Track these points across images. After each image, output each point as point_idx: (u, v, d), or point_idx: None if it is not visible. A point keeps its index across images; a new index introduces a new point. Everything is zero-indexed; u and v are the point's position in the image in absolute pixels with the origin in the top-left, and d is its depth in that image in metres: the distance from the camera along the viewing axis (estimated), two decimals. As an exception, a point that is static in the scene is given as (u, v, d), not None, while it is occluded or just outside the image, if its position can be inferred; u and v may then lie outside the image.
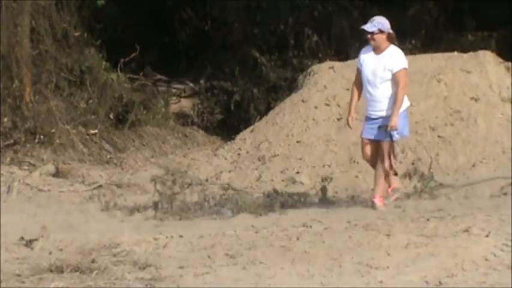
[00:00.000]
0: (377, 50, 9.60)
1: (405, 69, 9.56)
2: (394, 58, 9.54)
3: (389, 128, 9.34)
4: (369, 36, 9.57)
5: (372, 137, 9.57)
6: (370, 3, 17.75)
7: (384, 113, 9.47)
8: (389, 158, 9.51)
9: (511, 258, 6.97)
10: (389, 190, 9.66)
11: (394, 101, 9.41)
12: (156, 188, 10.45)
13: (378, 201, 9.57)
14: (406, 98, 9.55)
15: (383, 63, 9.50)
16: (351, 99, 9.82)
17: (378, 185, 9.64)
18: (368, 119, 9.64)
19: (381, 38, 9.58)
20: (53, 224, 9.44)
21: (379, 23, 9.57)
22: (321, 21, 17.44)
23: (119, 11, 18.88)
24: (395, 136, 9.40)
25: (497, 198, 10.22)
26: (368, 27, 9.59)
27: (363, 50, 9.78)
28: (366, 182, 11.39)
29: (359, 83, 9.75)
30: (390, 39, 9.63)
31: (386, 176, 9.59)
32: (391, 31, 9.66)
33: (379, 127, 9.48)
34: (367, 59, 9.64)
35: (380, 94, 9.52)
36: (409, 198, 10.07)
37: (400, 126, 9.42)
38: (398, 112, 9.38)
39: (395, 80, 9.45)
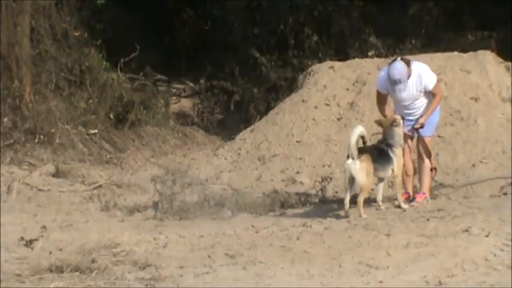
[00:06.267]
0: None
1: (437, 80, 9.85)
2: (423, 77, 9.65)
3: (417, 125, 9.69)
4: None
5: (410, 133, 9.85)
6: (370, 3, 17.78)
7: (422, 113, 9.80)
8: (430, 155, 9.84)
9: (511, 258, 6.97)
10: (406, 196, 9.77)
11: (430, 105, 9.71)
12: (156, 188, 10.45)
13: (419, 197, 9.74)
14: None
15: (415, 86, 9.64)
16: (383, 112, 9.88)
17: (424, 181, 9.83)
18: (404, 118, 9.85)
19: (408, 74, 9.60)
20: (53, 224, 9.44)
21: (404, 74, 9.49)
22: (321, 21, 17.46)
23: (119, 11, 18.89)
24: (429, 131, 9.79)
25: (497, 198, 10.22)
26: (403, 89, 9.58)
27: (384, 76, 9.73)
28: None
29: (384, 101, 9.89)
30: (408, 63, 9.66)
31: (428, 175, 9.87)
32: (405, 60, 9.69)
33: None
34: (396, 88, 9.63)
35: (417, 106, 9.77)
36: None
37: (436, 121, 9.85)
38: (429, 116, 9.72)
39: (432, 93, 9.71)
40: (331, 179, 10.78)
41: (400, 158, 9.45)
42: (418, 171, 9.96)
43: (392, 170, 9.43)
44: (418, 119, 9.75)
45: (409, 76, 9.54)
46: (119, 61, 16.55)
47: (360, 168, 9.11)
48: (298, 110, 12.96)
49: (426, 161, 9.80)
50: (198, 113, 18.19)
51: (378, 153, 9.40)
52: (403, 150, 9.60)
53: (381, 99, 9.91)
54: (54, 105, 14.54)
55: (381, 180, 9.55)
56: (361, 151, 9.19)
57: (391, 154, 9.39)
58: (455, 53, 13.09)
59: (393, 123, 9.52)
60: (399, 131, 9.48)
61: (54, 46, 15.43)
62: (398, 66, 9.54)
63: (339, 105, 12.79)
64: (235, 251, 7.71)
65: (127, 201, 10.98)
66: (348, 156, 9.18)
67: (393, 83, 9.52)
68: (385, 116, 9.85)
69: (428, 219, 8.55)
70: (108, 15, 18.49)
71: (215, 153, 13.42)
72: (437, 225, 8.22)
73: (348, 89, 12.92)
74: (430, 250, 7.30)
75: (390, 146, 9.43)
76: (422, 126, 9.69)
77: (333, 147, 12.23)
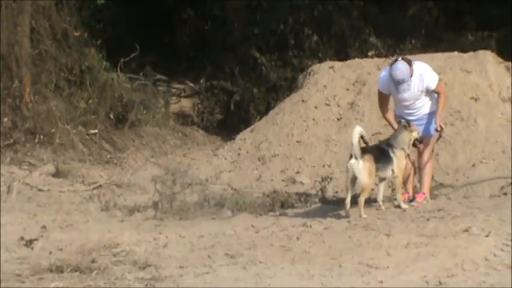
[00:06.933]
0: None
1: (440, 79, 9.84)
2: (425, 77, 9.64)
3: (437, 128, 9.69)
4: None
5: None
6: (370, 3, 17.77)
7: (424, 112, 9.78)
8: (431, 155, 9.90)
9: (511, 258, 6.97)
10: (407, 196, 9.77)
11: (438, 106, 9.71)
12: (156, 188, 10.45)
13: (419, 197, 9.75)
14: None
15: (417, 85, 9.62)
16: (388, 117, 9.91)
17: (424, 181, 9.83)
18: (403, 118, 9.83)
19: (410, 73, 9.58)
20: (53, 224, 9.44)
21: (407, 74, 9.49)
22: (321, 21, 17.44)
23: (119, 11, 18.88)
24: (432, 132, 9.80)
25: (497, 198, 10.23)
26: (407, 88, 9.57)
27: (385, 76, 9.72)
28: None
29: (386, 102, 9.90)
30: (410, 63, 9.63)
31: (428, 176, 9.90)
32: (407, 60, 9.65)
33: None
34: (400, 88, 9.62)
35: (418, 105, 9.77)
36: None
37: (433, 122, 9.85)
38: (440, 114, 9.76)
39: (435, 92, 9.72)
40: (331, 179, 10.78)
41: (400, 159, 9.44)
42: (418, 171, 9.96)
43: (393, 171, 9.42)
44: (420, 117, 9.74)
45: (411, 76, 9.54)
46: (119, 61, 16.54)
47: (363, 168, 9.11)
48: (298, 110, 12.96)
49: (427, 161, 9.81)
50: (198, 113, 18.18)
51: (379, 153, 9.40)
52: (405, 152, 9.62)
53: (383, 100, 9.89)
54: (54, 105, 14.54)
55: (382, 180, 9.55)
56: (364, 151, 9.20)
57: (391, 154, 9.39)
58: (455, 53, 13.09)
59: (405, 123, 9.55)
60: (405, 134, 9.46)
61: (54, 46, 15.41)
62: (401, 67, 9.52)
63: (339, 105, 12.79)
64: (235, 251, 7.71)
65: (127, 201, 10.97)
66: (351, 156, 9.18)
67: (396, 83, 9.50)
68: (386, 118, 9.89)
69: (428, 219, 8.55)
70: (108, 15, 18.49)
71: (215, 153, 13.42)
72: (437, 225, 8.22)
73: (348, 89, 12.92)
74: (430, 250, 7.30)
75: (391, 146, 9.43)
76: (442, 128, 9.74)
77: (333, 147, 12.23)
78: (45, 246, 8.12)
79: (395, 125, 9.75)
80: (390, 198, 9.83)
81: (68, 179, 12.53)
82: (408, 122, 9.57)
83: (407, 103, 9.72)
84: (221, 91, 17.96)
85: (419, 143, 9.63)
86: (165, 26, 19.38)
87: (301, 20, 17.42)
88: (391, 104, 10.03)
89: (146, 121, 16.36)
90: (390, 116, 9.90)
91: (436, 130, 9.73)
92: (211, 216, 9.81)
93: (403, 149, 9.46)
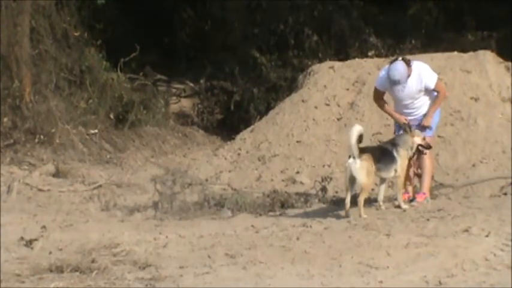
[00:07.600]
0: None
1: (439, 78, 9.83)
2: (424, 77, 9.63)
3: (422, 124, 9.68)
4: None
5: None
6: (370, 3, 17.79)
7: (423, 112, 9.78)
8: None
9: (511, 258, 6.97)
10: (407, 196, 9.78)
11: (433, 103, 9.73)
12: (156, 188, 10.45)
13: (419, 197, 9.75)
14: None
15: (415, 85, 9.62)
16: (386, 109, 9.95)
17: (424, 181, 9.83)
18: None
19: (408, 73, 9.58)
20: (53, 224, 9.44)
21: (404, 75, 9.49)
22: (321, 21, 17.46)
23: (119, 11, 18.89)
24: (430, 132, 9.76)
25: (497, 198, 10.23)
26: (402, 89, 9.58)
27: (384, 76, 9.72)
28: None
29: (382, 97, 9.94)
30: (409, 63, 9.62)
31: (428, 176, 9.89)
32: (406, 60, 9.64)
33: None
34: (396, 88, 9.63)
35: (417, 105, 9.77)
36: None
37: (436, 121, 9.85)
38: (433, 114, 9.74)
39: (435, 91, 9.72)
40: (331, 179, 10.78)
41: (404, 159, 9.44)
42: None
43: (395, 171, 9.41)
44: (418, 118, 9.76)
45: (408, 76, 9.54)
46: (119, 61, 16.55)
47: (360, 168, 9.10)
48: (298, 110, 12.96)
49: (427, 161, 9.80)
50: (198, 113, 18.19)
51: (381, 153, 9.39)
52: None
53: (379, 96, 9.95)
54: (54, 105, 14.54)
55: (383, 180, 9.54)
56: (363, 151, 9.19)
57: (395, 154, 9.38)
58: (455, 53, 13.09)
59: (405, 126, 9.54)
60: (406, 138, 9.47)
61: (54, 46, 15.42)
62: (399, 67, 9.52)
63: (339, 105, 12.79)
64: (235, 251, 7.71)
65: (127, 201, 10.98)
66: (350, 156, 9.18)
67: (392, 83, 9.53)
68: (385, 110, 9.91)
69: (428, 219, 8.56)
70: (108, 15, 18.48)
71: (215, 153, 13.41)
72: (437, 225, 8.22)
73: (348, 89, 12.92)
74: (430, 250, 7.30)
75: (396, 145, 9.42)
76: (426, 128, 9.73)
77: (333, 147, 12.23)
78: (45, 246, 8.12)
79: (396, 115, 9.77)
80: (390, 198, 9.82)
81: (68, 179, 12.54)
82: (410, 127, 9.54)
83: (405, 102, 9.72)
84: (221, 91, 17.97)
85: (425, 149, 9.61)
86: (165, 26, 19.39)
87: (301, 20, 17.44)
88: (391, 103, 10.04)
89: (146, 121, 16.38)
90: (389, 108, 9.92)
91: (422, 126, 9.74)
92: (211, 216, 9.81)
93: (407, 149, 9.46)
